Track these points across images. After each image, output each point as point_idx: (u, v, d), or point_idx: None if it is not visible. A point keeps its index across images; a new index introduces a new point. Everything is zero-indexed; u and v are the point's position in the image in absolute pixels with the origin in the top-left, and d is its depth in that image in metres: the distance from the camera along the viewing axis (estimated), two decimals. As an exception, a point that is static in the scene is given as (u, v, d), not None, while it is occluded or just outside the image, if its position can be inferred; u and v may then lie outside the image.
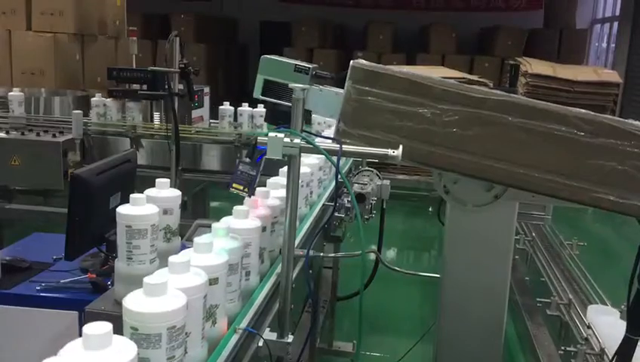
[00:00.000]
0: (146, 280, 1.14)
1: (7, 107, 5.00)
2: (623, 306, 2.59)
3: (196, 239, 1.41)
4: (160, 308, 1.11)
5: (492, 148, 1.91)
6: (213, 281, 1.34)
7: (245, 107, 4.86)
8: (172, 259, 1.28)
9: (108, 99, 4.83)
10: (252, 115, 4.81)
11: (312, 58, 13.17)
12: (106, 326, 0.98)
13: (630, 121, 1.91)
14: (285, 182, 1.91)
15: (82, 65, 6.79)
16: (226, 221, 1.65)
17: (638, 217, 1.89)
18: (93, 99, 4.90)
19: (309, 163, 2.43)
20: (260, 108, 4.73)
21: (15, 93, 4.90)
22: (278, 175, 2.14)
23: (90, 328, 0.97)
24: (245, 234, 1.62)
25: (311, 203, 2.44)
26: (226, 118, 4.87)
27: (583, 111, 1.90)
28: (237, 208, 1.68)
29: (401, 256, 5.88)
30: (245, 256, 1.61)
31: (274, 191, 1.96)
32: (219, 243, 1.47)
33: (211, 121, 5.52)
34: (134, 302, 1.12)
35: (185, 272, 1.27)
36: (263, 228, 1.74)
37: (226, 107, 4.91)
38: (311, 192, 2.42)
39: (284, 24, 14.52)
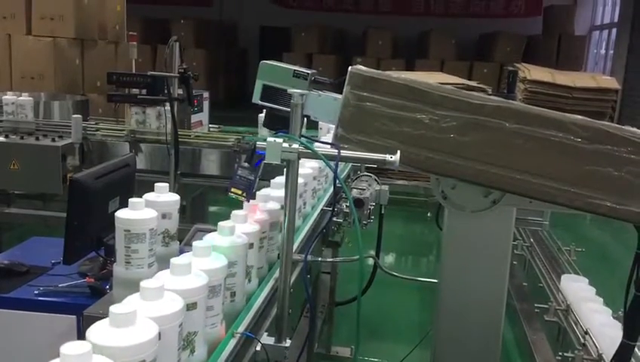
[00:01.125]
0: (112, 309, 1.03)
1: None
2: (620, 312, 2.60)
3: (173, 260, 1.29)
4: (126, 342, 1.00)
5: (489, 153, 1.92)
6: (190, 306, 1.24)
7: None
8: (144, 284, 1.16)
9: (147, 108, 4.81)
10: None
11: (312, 63, 13.21)
12: (85, 346, 0.94)
13: (627, 127, 1.92)
14: (276, 194, 1.91)
15: (82, 69, 6.81)
16: (209, 238, 1.54)
17: (634, 223, 1.89)
18: (134, 107, 4.85)
19: (302, 173, 2.33)
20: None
21: (25, 99, 4.89)
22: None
23: (67, 348, 0.92)
24: (230, 253, 1.50)
25: (304, 214, 2.37)
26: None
27: (580, 117, 1.91)
28: (222, 224, 1.56)
29: (399, 261, 5.88)
30: (230, 275, 1.49)
31: (262, 204, 1.87)
32: (199, 264, 1.36)
33: (210, 125, 5.53)
34: (99, 333, 1.02)
35: (158, 298, 1.15)
36: (250, 245, 1.63)
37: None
38: (304, 203, 2.35)
39: (283, 29, 14.57)
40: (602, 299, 3.01)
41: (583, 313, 2.85)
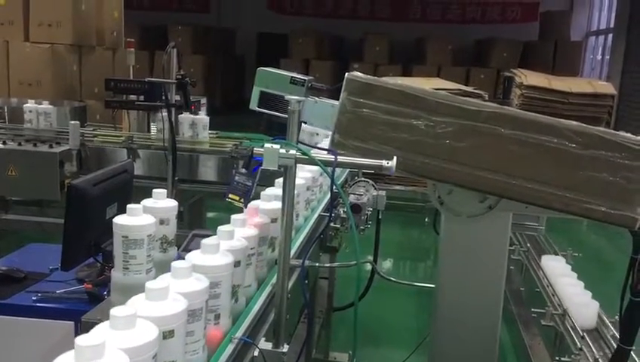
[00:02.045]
0: (78, 341, 0.94)
1: (5, 118, 5.02)
2: (616, 317, 2.61)
3: (149, 284, 1.19)
4: None
5: (485, 159, 1.93)
6: (167, 334, 1.15)
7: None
8: (114, 312, 1.05)
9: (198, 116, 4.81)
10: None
11: (309, 69, 13.25)
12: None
13: (621, 132, 1.93)
14: (265, 207, 1.87)
15: (79, 76, 6.82)
16: (191, 257, 1.44)
17: (629, 228, 1.91)
18: (183, 116, 4.80)
19: (298, 183, 2.19)
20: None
21: (47, 107, 4.90)
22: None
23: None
24: (213, 272, 1.40)
25: (297, 226, 2.27)
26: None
27: (575, 123, 1.92)
28: (205, 242, 1.46)
29: (397, 267, 5.89)
30: (213, 297, 1.40)
31: (250, 218, 1.78)
32: (178, 286, 1.26)
33: (208, 131, 5.53)
34: None
35: (130, 327, 1.06)
36: (237, 263, 1.53)
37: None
38: (297, 215, 2.25)
39: (281, 35, 14.61)
40: (576, 275, 3.48)
41: (559, 286, 3.31)
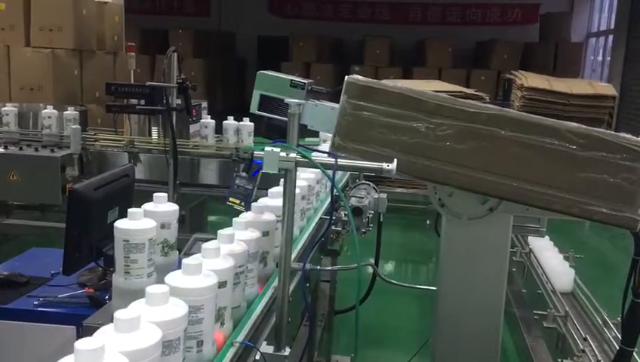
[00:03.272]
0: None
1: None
2: (618, 318, 2.61)
3: (117, 314, 1.05)
4: None
5: (486, 161, 1.93)
6: None
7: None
8: (79, 346, 0.93)
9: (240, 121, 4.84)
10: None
11: (310, 72, 13.26)
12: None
13: (622, 134, 1.93)
14: (256, 219, 1.81)
15: (80, 80, 6.83)
16: (172, 278, 1.32)
17: (630, 229, 1.90)
18: (228, 122, 4.87)
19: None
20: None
21: (71, 112, 4.94)
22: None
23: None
24: (194, 296, 1.28)
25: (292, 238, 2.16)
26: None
27: (576, 124, 1.92)
28: (186, 262, 1.34)
29: (398, 269, 5.88)
30: (195, 322, 1.29)
31: (240, 232, 1.68)
32: (152, 315, 1.14)
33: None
34: None
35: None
36: (222, 284, 1.40)
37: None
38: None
39: (281, 38, 14.62)
40: (557, 249, 4.01)
41: (543, 259, 3.85)
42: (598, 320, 3.01)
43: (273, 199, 1.98)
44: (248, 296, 1.69)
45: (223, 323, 1.46)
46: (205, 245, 1.48)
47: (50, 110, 4.93)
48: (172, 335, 1.15)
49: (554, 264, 3.71)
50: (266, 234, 1.80)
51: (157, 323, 1.11)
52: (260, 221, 1.82)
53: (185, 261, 1.34)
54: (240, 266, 1.56)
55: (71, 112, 4.94)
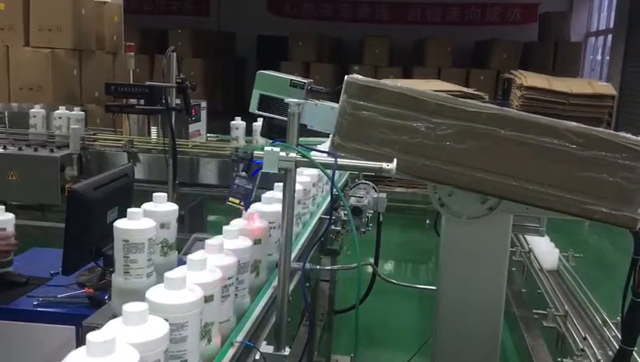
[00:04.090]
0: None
1: (5, 123, 5.03)
2: (618, 317, 2.61)
3: (90, 336, 0.96)
4: None
5: (485, 161, 1.93)
6: None
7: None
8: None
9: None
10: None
11: (309, 72, 13.26)
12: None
13: (621, 133, 1.93)
14: (247, 227, 1.74)
15: (80, 80, 6.83)
16: (153, 293, 1.22)
17: (630, 228, 1.90)
18: (238, 123, 4.87)
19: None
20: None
21: (78, 113, 4.97)
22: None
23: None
24: (177, 313, 1.20)
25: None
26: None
27: (575, 124, 1.92)
28: (169, 275, 1.24)
29: (398, 269, 5.88)
30: (178, 341, 1.21)
31: (229, 241, 1.60)
32: (130, 335, 1.05)
33: (208, 135, 5.55)
34: None
35: None
36: (208, 298, 1.31)
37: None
38: None
39: (281, 38, 14.63)
40: (548, 237, 4.16)
41: (531, 239, 4.17)
42: (598, 319, 3.01)
43: (266, 205, 1.92)
44: (239, 307, 1.61)
45: (210, 340, 1.37)
46: (190, 256, 1.38)
47: (62, 111, 4.97)
48: (151, 358, 1.05)
49: (540, 245, 4.07)
50: (258, 242, 1.73)
51: (134, 344, 1.02)
52: (252, 228, 1.75)
53: (167, 274, 1.24)
54: (229, 278, 1.47)
55: (77, 112, 4.95)
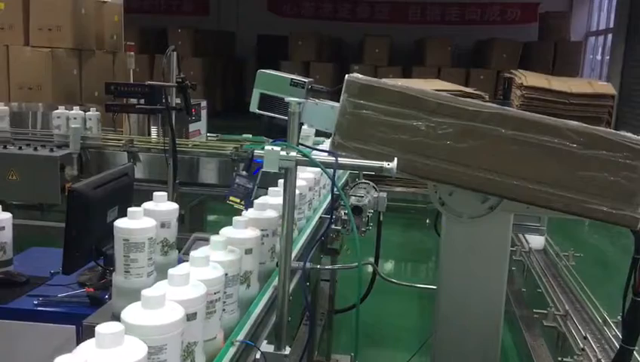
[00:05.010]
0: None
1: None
2: (618, 317, 2.61)
3: (59, 360, 0.93)
4: None
5: (486, 160, 1.93)
6: None
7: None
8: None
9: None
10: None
11: (309, 71, 13.26)
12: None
13: (622, 132, 1.93)
14: (237, 236, 1.65)
15: (80, 79, 6.82)
16: (128, 314, 1.13)
17: (630, 228, 1.90)
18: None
19: (276, 203, 1.88)
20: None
21: (93, 113, 4.96)
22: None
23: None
24: (154, 334, 1.12)
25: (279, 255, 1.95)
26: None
27: (576, 123, 1.92)
28: (146, 293, 1.15)
29: (398, 268, 5.88)
30: None
31: (217, 253, 1.50)
32: (103, 359, 0.98)
33: (208, 134, 5.54)
34: None
35: None
36: (191, 316, 1.23)
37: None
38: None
39: (281, 38, 14.62)
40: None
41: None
42: (599, 318, 3.01)
43: (259, 211, 1.85)
44: (228, 323, 1.50)
45: (193, 361, 1.28)
46: (172, 271, 1.28)
47: (76, 111, 4.96)
48: None
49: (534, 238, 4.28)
50: (249, 251, 1.65)
51: None
52: (243, 238, 1.66)
53: (144, 292, 1.15)
54: (215, 293, 1.37)
55: (93, 113, 4.96)
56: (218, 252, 1.52)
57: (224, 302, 1.45)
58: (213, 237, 1.55)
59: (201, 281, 1.31)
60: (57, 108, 5.09)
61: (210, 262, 1.42)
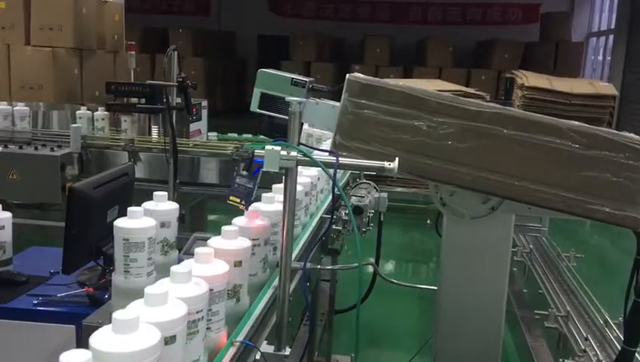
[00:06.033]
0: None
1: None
2: (620, 318, 2.60)
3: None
4: None
5: (487, 160, 1.92)
6: None
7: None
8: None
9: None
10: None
11: (310, 71, 13.26)
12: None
13: (624, 133, 1.92)
14: (227, 246, 1.54)
15: (81, 79, 6.82)
16: (97, 339, 1.00)
17: (632, 229, 1.89)
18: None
19: (272, 210, 1.83)
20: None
21: (102, 113, 4.96)
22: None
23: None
24: (134, 359, 0.99)
25: (272, 263, 1.86)
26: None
27: (578, 123, 1.91)
28: (117, 317, 1.01)
29: (399, 269, 5.87)
30: None
31: (201, 266, 1.37)
32: None
33: (209, 133, 5.54)
34: None
35: None
36: (169, 339, 1.11)
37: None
38: (274, 249, 1.87)
39: (281, 38, 14.62)
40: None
41: None
42: (600, 320, 3.00)
43: (250, 219, 1.75)
44: (212, 343, 1.38)
45: None
46: (149, 289, 1.15)
47: (101, 112, 4.98)
48: None
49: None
50: (238, 264, 1.52)
51: None
52: (231, 249, 1.53)
53: (115, 315, 1.02)
54: (198, 312, 1.24)
55: (102, 113, 4.96)
56: (202, 265, 1.37)
57: (209, 321, 1.34)
58: (198, 250, 1.41)
59: (182, 299, 1.19)
60: (62, 108, 5.10)
61: (193, 277, 1.29)
